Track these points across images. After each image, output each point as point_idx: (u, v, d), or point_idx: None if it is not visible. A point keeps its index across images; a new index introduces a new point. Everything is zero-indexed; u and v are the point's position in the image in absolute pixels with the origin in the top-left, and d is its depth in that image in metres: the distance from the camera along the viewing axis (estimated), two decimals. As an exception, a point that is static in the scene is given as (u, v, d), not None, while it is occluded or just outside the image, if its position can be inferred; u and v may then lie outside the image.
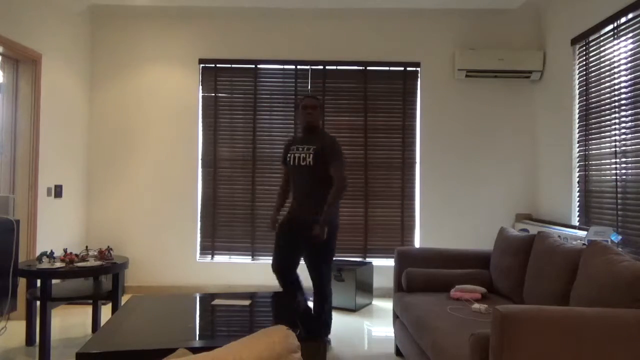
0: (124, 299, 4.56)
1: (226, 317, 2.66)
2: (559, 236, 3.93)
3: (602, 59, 3.92)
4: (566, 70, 4.45)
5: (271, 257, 5.14)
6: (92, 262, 3.43)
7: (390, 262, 5.06)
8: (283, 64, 5.20)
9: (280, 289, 3.69)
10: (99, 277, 3.76)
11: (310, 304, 4.59)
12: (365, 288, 4.74)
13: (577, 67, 4.31)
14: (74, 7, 4.86)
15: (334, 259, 3.61)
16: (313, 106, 3.54)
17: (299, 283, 3.62)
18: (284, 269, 3.55)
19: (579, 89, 4.28)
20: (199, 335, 2.34)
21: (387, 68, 5.20)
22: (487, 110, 5.17)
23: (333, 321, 3.91)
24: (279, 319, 2.65)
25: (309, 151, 3.48)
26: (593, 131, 4.04)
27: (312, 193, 3.49)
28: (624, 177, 3.60)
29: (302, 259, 3.58)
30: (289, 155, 3.60)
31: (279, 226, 3.60)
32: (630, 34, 3.54)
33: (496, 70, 4.92)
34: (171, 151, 5.20)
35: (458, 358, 2.06)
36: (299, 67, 5.20)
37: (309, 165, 3.47)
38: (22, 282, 3.89)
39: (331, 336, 3.78)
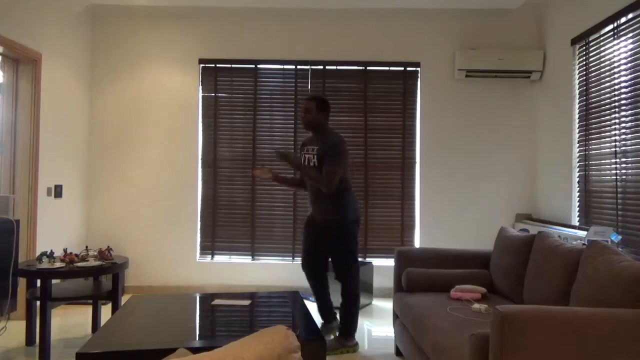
0: (124, 299, 4.56)
1: (226, 317, 2.66)
2: (559, 236, 3.93)
3: (602, 59, 3.92)
4: (566, 70, 4.45)
5: (271, 258, 5.19)
6: (92, 262, 3.43)
7: (390, 262, 5.06)
8: (283, 64, 5.20)
9: (280, 289, 3.71)
10: (99, 277, 3.76)
11: (310, 304, 4.58)
12: (365, 288, 4.74)
13: (577, 67, 4.31)
14: (73, 7, 4.86)
15: (357, 258, 3.58)
16: (306, 109, 3.60)
17: (321, 279, 3.71)
18: (308, 265, 3.68)
19: (579, 89, 4.28)
20: (199, 335, 2.34)
21: (387, 68, 5.20)
22: (487, 110, 5.17)
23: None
24: (279, 319, 2.65)
25: (314, 152, 3.56)
26: (593, 131, 4.04)
27: (320, 193, 3.54)
28: (624, 177, 3.60)
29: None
30: (302, 156, 3.70)
31: (304, 227, 3.76)
32: (630, 34, 3.54)
33: (496, 70, 4.91)
34: (171, 151, 5.20)
35: (458, 358, 2.06)
36: (299, 67, 5.20)
37: (315, 166, 3.54)
38: (22, 282, 3.88)
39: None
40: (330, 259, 3.62)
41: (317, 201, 3.59)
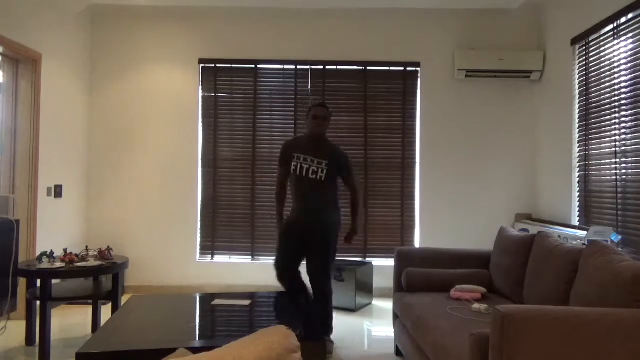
0: (124, 299, 4.56)
1: (226, 317, 2.66)
2: (559, 236, 3.93)
3: (602, 59, 3.92)
4: (566, 70, 4.45)
5: (272, 258, 5.17)
6: (92, 262, 3.43)
7: (390, 262, 5.06)
8: (283, 64, 5.20)
9: (280, 289, 3.71)
10: (99, 277, 3.76)
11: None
12: (365, 288, 4.74)
13: (577, 67, 4.31)
14: (73, 7, 4.85)
15: (335, 259, 3.67)
16: (323, 117, 3.49)
17: (303, 284, 3.61)
18: (288, 270, 3.54)
19: (579, 89, 4.28)
20: (199, 335, 2.34)
21: (387, 68, 5.20)
22: (487, 111, 5.17)
23: (333, 321, 3.91)
24: (279, 319, 2.65)
25: (321, 165, 3.47)
26: (593, 131, 4.04)
27: (322, 203, 3.51)
28: (624, 177, 3.60)
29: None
30: (294, 164, 3.52)
31: (285, 235, 3.57)
32: (630, 34, 3.54)
33: (496, 70, 4.91)
34: (171, 151, 5.20)
35: (458, 358, 2.06)
36: (299, 67, 5.20)
37: (321, 179, 3.47)
38: (22, 282, 3.89)
39: (332, 337, 3.78)
40: (311, 263, 3.49)
41: (312, 210, 3.52)
